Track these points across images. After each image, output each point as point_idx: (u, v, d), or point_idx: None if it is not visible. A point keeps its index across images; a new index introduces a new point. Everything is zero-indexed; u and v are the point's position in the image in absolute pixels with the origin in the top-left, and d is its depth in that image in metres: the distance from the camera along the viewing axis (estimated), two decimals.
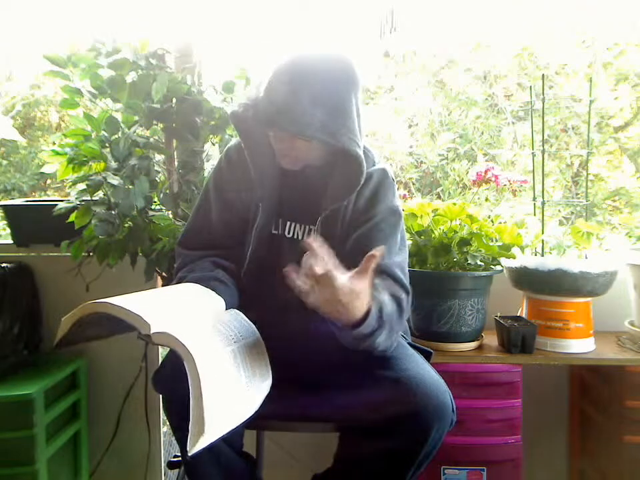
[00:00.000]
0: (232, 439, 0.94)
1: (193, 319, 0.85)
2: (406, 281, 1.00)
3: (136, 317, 0.75)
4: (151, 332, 0.74)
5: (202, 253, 1.09)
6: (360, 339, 0.86)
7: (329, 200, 1.04)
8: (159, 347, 1.65)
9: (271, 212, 1.08)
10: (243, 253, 1.08)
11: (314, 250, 0.77)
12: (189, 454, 0.67)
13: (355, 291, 0.78)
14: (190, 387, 0.70)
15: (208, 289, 0.96)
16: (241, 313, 0.96)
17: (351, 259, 0.87)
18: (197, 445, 0.68)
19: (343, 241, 1.04)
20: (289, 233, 1.09)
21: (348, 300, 0.78)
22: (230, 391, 0.77)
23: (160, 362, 1.61)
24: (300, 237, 1.09)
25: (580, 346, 1.39)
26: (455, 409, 0.91)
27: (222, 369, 0.77)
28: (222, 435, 0.72)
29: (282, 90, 0.95)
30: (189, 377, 0.71)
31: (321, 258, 0.76)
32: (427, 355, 1.08)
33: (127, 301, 0.79)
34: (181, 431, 0.91)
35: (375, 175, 1.06)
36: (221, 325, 0.88)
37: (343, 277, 0.77)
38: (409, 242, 1.27)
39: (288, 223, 1.09)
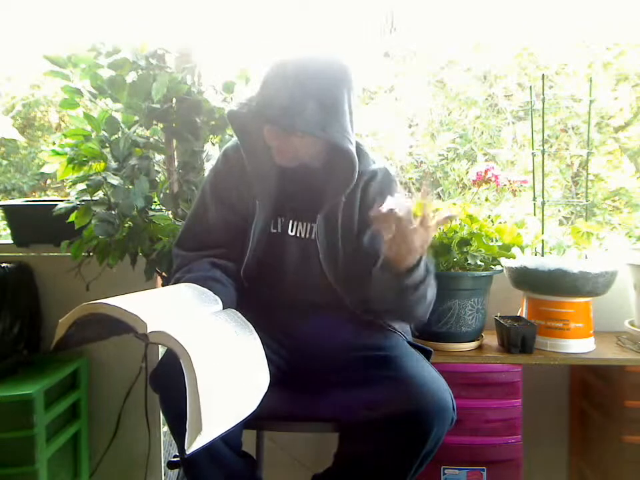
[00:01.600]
0: (230, 439, 0.94)
1: (190, 318, 0.85)
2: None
3: (133, 317, 0.75)
4: (148, 331, 0.74)
5: (200, 253, 1.09)
6: (411, 286, 0.94)
7: (327, 197, 1.05)
8: (159, 347, 1.65)
9: (269, 210, 1.08)
10: (243, 252, 1.08)
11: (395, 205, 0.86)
12: (187, 453, 0.67)
13: (423, 241, 0.89)
14: (187, 386, 0.70)
15: (204, 289, 0.96)
16: (237, 313, 0.96)
17: (367, 254, 1.01)
18: (194, 444, 0.68)
19: (353, 238, 1.07)
20: (291, 231, 1.09)
21: (418, 248, 0.90)
22: (227, 389, 0.77)
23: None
24: (303, 235, 1.09)
25: (580, 346, 1.39)
26: (455, 408, 0.91)
27: (219, 368, 0.77)
28: (220, 434, 0.72)
29: (275, 87, 0.96)
30: (185, 376, 0.70)
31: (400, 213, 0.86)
32: (427, 354, 1.08)
33: (124, 301, 0.79)
34: (178, 430, 0.91)
35: (379, 173, 1.08)
36: (216, 324, 0.88)
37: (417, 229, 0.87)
38: None
39: (290, 222, 1.09)
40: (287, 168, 1.05)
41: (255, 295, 1.10)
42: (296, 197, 1.09)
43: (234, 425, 0.75)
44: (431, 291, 1.01)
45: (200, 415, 0.68)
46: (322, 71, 0.96)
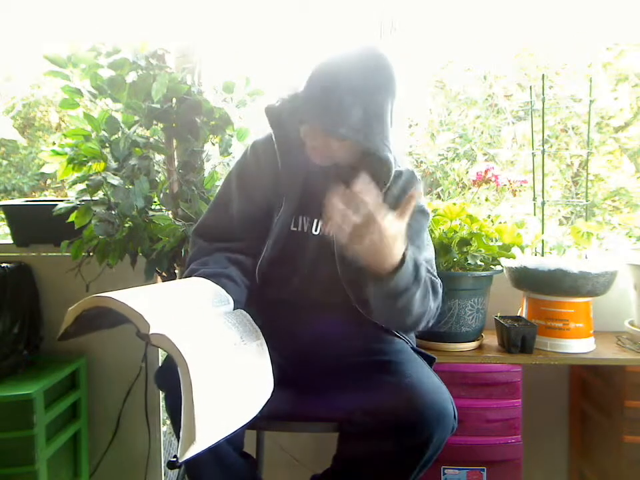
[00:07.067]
0: (233, 439, 0.93)
1: (197, 320, 0.84)
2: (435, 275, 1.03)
3: (137, 315, 0.75)
4: (150, 332, 0.74)
5: (218, 245, 1.08)
6: (396, 293, 0.87)
7: None
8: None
9: (293, 208, 1.07)
10: (260, 247, 1.07)
11: (361, 189, 0.79)
12: (179, 460, 0.68)
13: (397, 232, 0.81)
14: (182, 394, 0.70)
15: (218, 287, 0.96)
16: (247, 315, 0.96)
17: None
18: (187, 453, 0.69)
19: None
20: (315, 230, 1.08)
21: (391, 241, 0.81)
22: (225, 398, 0.77)
23: (161, 361, 1.61)
24: (327, 234, 1.08)
25: (580, 346, 1.39)
26: (456, 416, 0.91)
27: (217, 377, 0.77)
28: (216, 441, 0.72)
29: (321, 88, 0.94)
30: (181, 384, 0.70)
31: (367, 198, 0.79)
32: (430, 360, 1.08)
33: (132, 297, 0.78)
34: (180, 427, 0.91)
35: (404, 175, 1.06)
36: (223, 328, 0.88)
37: (388, 216, 0.80)
38: None
39: (315, 221, 1.09)
40: (319, 166, 1.04)
41: (264, 294, 1.09)
42: (321, 196, 1.09)
43: (230, 433, 0.75)
44: (419, 304, 0.93)
45: (194, 425, 0.69)
46: (371, 77, 0.94)
